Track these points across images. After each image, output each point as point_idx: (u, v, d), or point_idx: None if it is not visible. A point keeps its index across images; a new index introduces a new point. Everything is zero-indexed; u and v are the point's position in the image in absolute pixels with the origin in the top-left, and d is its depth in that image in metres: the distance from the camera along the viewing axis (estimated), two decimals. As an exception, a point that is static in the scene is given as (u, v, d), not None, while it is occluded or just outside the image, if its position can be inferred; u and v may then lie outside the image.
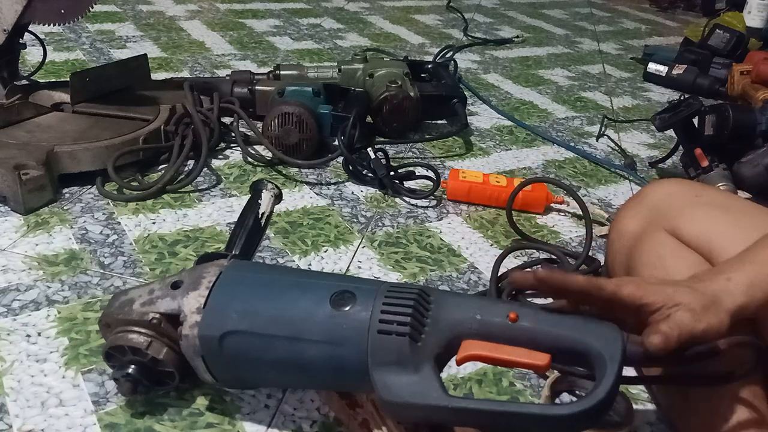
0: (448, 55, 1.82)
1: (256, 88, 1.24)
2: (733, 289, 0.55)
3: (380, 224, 1.00)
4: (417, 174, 1.11)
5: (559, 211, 1.09)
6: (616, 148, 1.37)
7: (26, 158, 0.92)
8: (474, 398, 0.69)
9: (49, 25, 1.06)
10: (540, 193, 1.07)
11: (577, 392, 0.71)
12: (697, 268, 0.67)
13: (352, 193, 1.08)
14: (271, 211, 0.74)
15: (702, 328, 0.51)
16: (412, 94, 1.25)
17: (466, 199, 1.08)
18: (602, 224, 1.05)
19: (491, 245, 0.97)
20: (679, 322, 0.50)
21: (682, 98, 1.18)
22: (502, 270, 0.88)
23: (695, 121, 1.16)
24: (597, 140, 1.40)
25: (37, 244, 0.85)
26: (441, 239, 0.98)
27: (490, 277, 0.86)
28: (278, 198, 0.76)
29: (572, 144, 1.36)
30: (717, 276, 0.56)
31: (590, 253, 0.92)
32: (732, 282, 0.55)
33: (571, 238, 1.02)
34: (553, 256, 0.92)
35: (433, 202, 1.07)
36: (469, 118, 1.37)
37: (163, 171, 1.04)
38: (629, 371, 0.74)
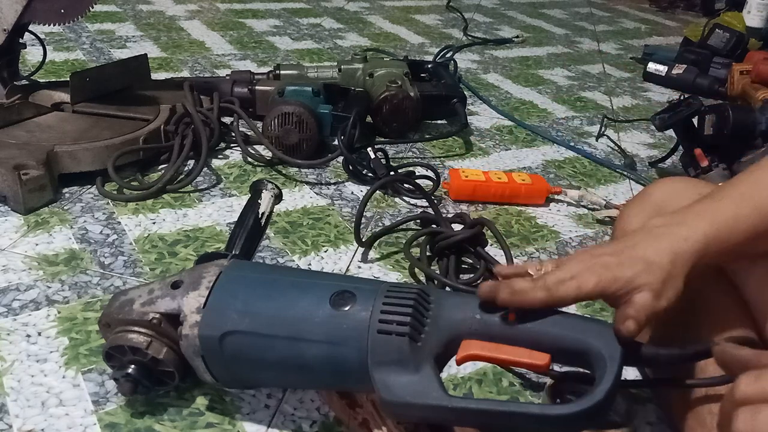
0: (448, 55, 1.82)
1: (256, 87, 1.24)
2: (688, 249, 0.57)
3: (380, 224, 1.00)
4: (417, 174, 1.11)
5: (559, 205, 1.10)
6: (616, 148, 1.37)
7: (26, 158, 0.92)
8: (474, 398, 0.69)
9: (49, 25, 1.06)
10: (540, 185, 1.09)
11: (577, 392, 0.71)
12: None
13: (352, 193, 1.08)
14: (271, 211, 0.74)
15: (663, 305, 0.55)
16: (412, 94, 1.25)
17: (471, 198, 1.08)
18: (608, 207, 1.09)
19: (491, 245, 0.97)
20: (643, 304, 0.53)
21: (682, 98, 1.18)
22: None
23: (695, 120, 1.16)
24: (597, 140, 1.40)
25: (37, 244, 0.85)
26: (441, 239, 0.98)
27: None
28: (278, 198, 0.76)
29: (572, 144, 1.36)
30: (675, 235, 0.58)
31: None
32: (689, 242, 0.57)
33: (571, 237, 1.02)
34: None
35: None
36: (469, 117, 1.37)
37: (163, 171, 1.04)
38: (630, 374, 0.74)
